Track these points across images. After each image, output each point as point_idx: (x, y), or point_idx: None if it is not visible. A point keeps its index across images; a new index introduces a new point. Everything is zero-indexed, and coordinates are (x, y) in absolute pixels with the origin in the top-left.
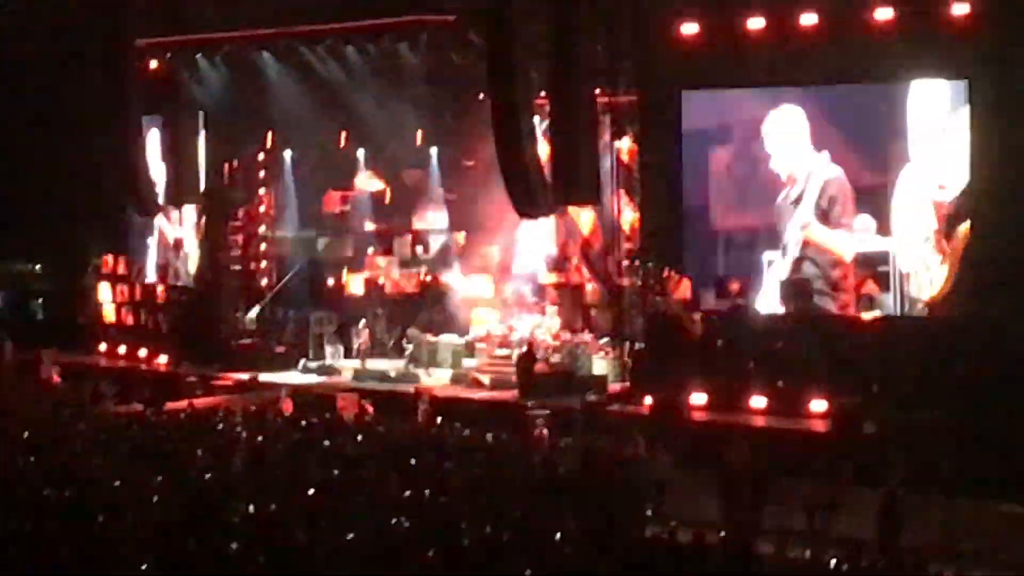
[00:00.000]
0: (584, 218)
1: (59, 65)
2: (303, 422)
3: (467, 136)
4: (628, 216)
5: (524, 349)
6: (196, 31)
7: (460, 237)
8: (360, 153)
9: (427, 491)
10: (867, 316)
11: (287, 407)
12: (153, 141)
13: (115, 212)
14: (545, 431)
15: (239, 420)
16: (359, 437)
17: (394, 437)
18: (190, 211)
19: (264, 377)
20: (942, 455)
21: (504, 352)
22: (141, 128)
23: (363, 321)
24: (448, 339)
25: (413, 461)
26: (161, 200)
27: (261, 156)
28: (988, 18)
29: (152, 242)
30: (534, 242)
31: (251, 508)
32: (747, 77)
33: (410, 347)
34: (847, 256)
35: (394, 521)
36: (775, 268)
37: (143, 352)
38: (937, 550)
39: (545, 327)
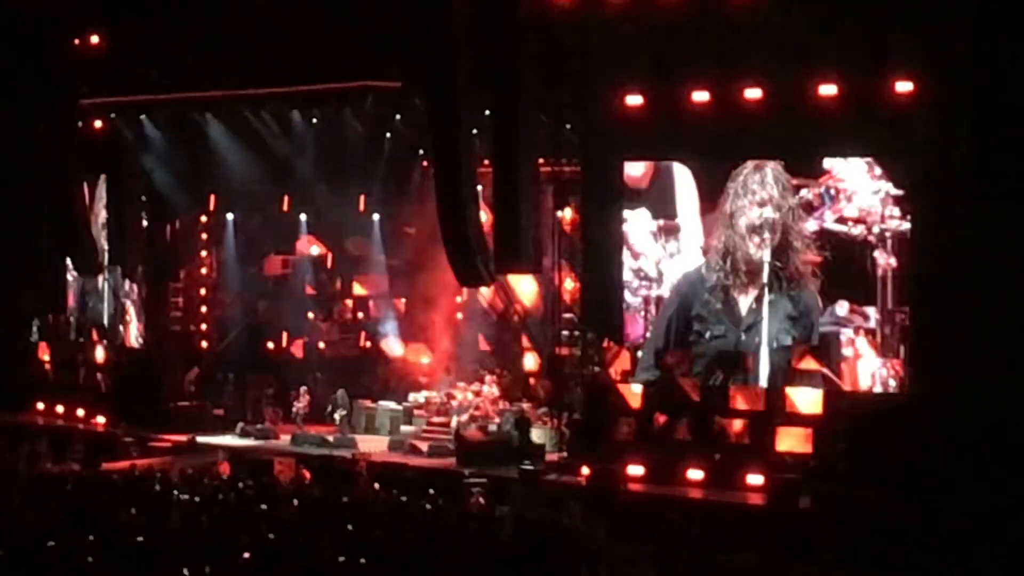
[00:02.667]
0: (525, 287)
1: (2, 121)
2: (240, 485)
3: (409, 203)
4: (568, 286)
5: (463, 417)
6: (141, 92)
7: (400, 304)
8: (302, 218)
9: (362, 558)
10: (805, 392)
11: (224, 470)
12: (99, 199)
13: (56, 271)
14: (482, 499)
15: (176, 482)
16: (295, 502)
17: (330, 503)
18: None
19: (202, 439)
20: (877, 531)
21: (442, 419)
22: (82, 187)
23: (304, 387)
24: (386, 405)
25: (349, 527)
26: (105, 260)
27: (203, 218)
28: (931, 96)
29: (94, 301)
30: (475, 309)
31: (185, 571)
32: (691, 149)
33: (342, 412)
34: None
35: None
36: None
37: (81, 412)
38: None
39: (484, 395)
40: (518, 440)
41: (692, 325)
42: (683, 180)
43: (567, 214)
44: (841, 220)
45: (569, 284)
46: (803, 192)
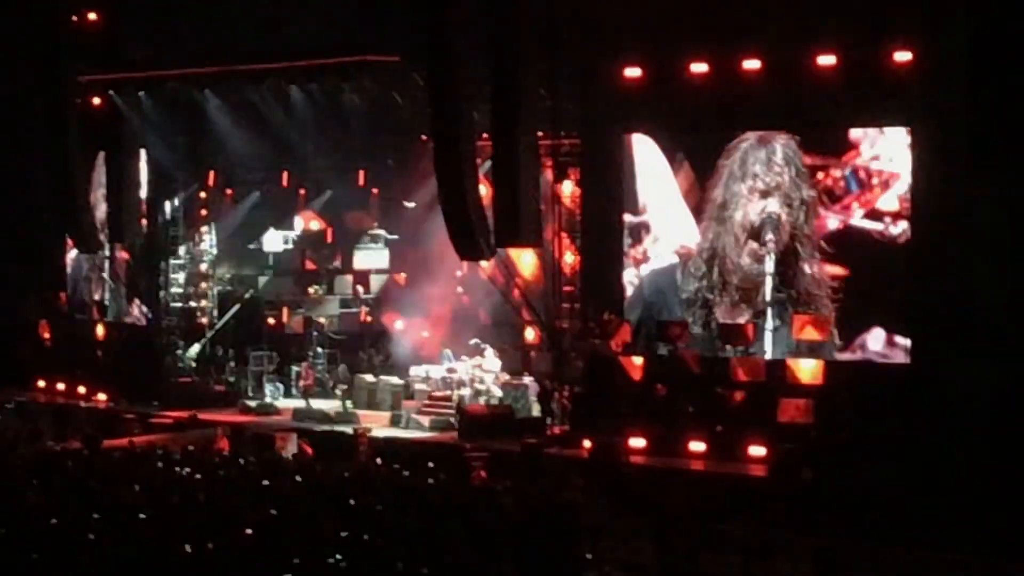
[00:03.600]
0: (525, 260)
1: (0, 99)
2: (241, 461)
3: (409, 177)
4: (569, 259)
5: (465, 392)
6: (139, 68)
7: (400, 278)
8: (301, 192)
9: (364, 532)
10: (806, 363)
11: (223, 446)
12: (98, 177)
13: (55, 248)
14: (483, 473)
15: (177, 458)
16: (297, 477)
17: (332, 477)
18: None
19: (203, 416)
20: (879, 502)
21: (444, 393)
22: (81, 164)
23: (306, 361)
24: (388, 380)
25: (351, 502)
26: (102, 236)
27: (203, 194)
28: (930, 65)
29: (92, 277)
30: (475, 283)
31: (187, 547)
32: (690, 121)
33: (343, 387)
34: None
35: (331, 562)
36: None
37: (82, 389)
38: None
39: (485, 369)
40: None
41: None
42: (646, 159)
43: (566, 187)
44: (874, 214)
45: (569, 257)
46: (819, 175)
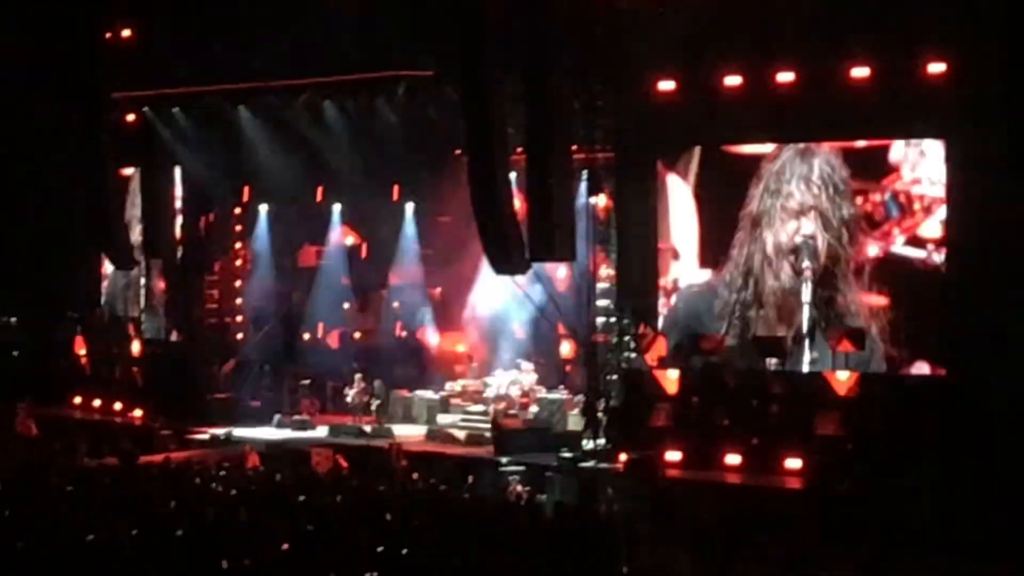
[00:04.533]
0: (560, 274)
1: (35, 116)
2: (277, 476)
3: (443, 191)
4: (604, 272)
5: (500, 405)
6: (173, 85)
7: (436, 292)
8: (336, 208)
9: (400, 547)
10: (842, 375)
11: (253, 461)
12: (132, 193)
13: (90, 265)
14: (520, 488)
15: (213, 474)
16: (334, 493)
17: (368, 493)
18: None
19: (238, 432)
20: (916, 515)
21: (479, 408)
22: (115, 180)
23: (358, 376)
24: (423, 394)
25: (388, 517)
26: (137, 253)
27: (237, 210)
28: (965, 77)
29: (127, 294)
30: (510, 298)
31: (224, 563)
32: (724, 134)
33: (376, 401)
34: None
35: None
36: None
37: (118, 405)
38: None
39: (520, 383)
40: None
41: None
42: (672, 186)
43: (600, 200)
44: (915, 241)
45: (604, 271)
46: (858, 200)
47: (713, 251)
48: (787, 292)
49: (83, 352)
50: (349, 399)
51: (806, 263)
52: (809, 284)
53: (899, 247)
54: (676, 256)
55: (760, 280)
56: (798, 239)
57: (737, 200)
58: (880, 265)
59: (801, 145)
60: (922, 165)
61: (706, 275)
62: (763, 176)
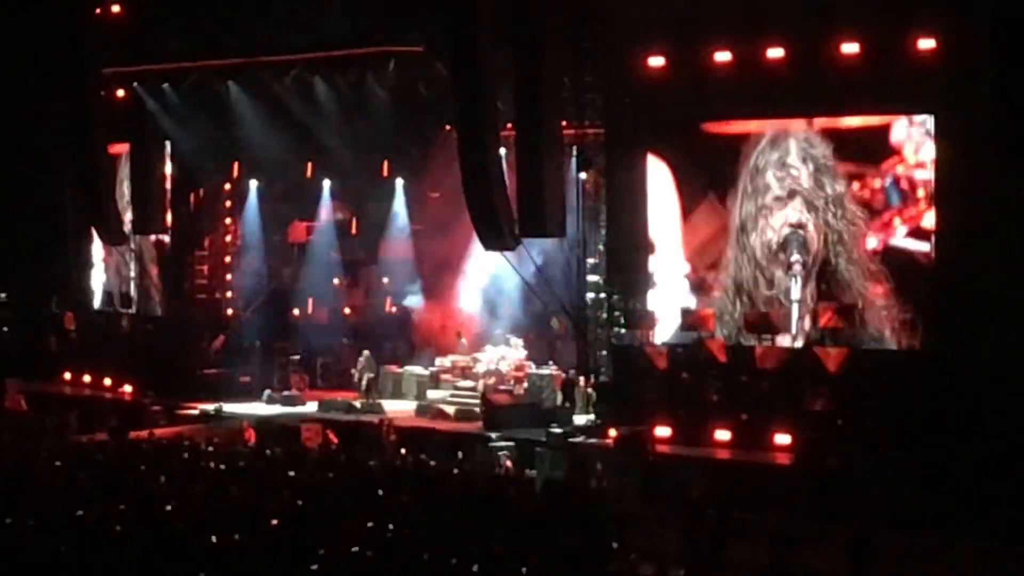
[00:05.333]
0: (550, 250)
1: (23, 93)
2: (267, 452)
3: (433, 167)
4: (593, 248)
5: (490, 381)
6: (163, 60)
7: (425, 268)
8: (326, 184)
9: (390, 523)
10: (831, 350)
11: (250, 437)
12: (122, 169)
13: (81, 240)
14: (509, 463)
15: (203, 450)
16: (324, 468)
17: (358, 468)
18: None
19: (228, 407)
20: (905, 490)
21: (469, 383)
22: (105, 156)
23: (366, 353)
24: (413, 370)
25: (378, 492)
26: (127, 228)
27: (227, 186)
28: (954, 53)
29: (118, 270)
30: (499, 273)
31: (214, 538)
32: (713, 110)
33: (366, 375)
34: None
35: (357, 552)
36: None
37: (108, 381)
38: None
39: (510, 359)
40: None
41: None
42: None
43: (590, 177)
44: (918, 233)
45: (593, 247)
46: (854, 186)
47: (701, 258)
48: (778, 299)
49: (73, 328)
50: (356, 377)
51: (795, 256)
52: (798, 280)
53: (900, 239)
54: (652, 250)
55: (752, 294)
56: (786, 231)
57: (719, 189)
58: (879, 257)
59: (770, 133)
60: (927, 147)
61: (692, 302)
62: (739, 182)
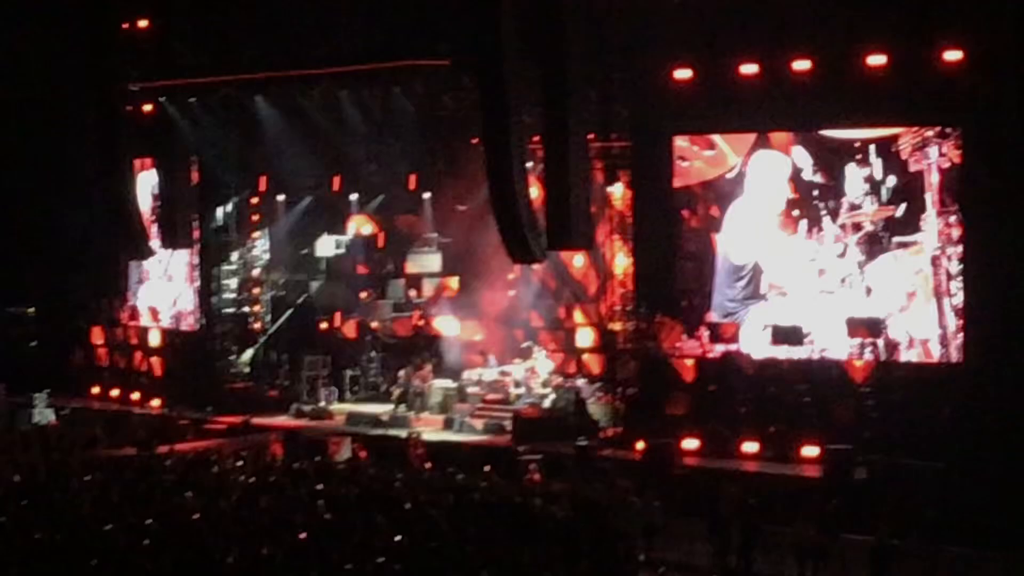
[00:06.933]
0: (577, 263)
1: (51, 108)
2: (295, 465)
3: (460, 180)
4: (621, 261)
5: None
6: (190, 75)
7: (453, 281)
8: (353, 197)
9: (418, 536)
10: (859, 363)
11: (277, 450)
12: (149, 184)
13: (110, 255)
14: (537, 476)
15: (231, 463)
16: (352, 483)
17: (386, 482)
18: (182, 255)
19: (257, 421)
20: (932, 502)
21: (497, 396)
22: (133, 171)
23: (408, 367)
24: (441, 383)
25: (407, 506)
26: (155, 243)
27: (255, 200)
28: (982, 65)
29: (142, 285)
30: (528, 286)
31: (242, 551)
32: (740, 122)
33: (398, 390)
34: None
35: (384, 564)
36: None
37: (136, 395)
38: None
39: (539, 372)
40: (575, 417)
41: None
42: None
43: (617, 189)
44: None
45: (621, 260)
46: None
47: None
48: None
49: (100, 343)
50: (414, 387)
51: None
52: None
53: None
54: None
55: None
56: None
57: None
58: None
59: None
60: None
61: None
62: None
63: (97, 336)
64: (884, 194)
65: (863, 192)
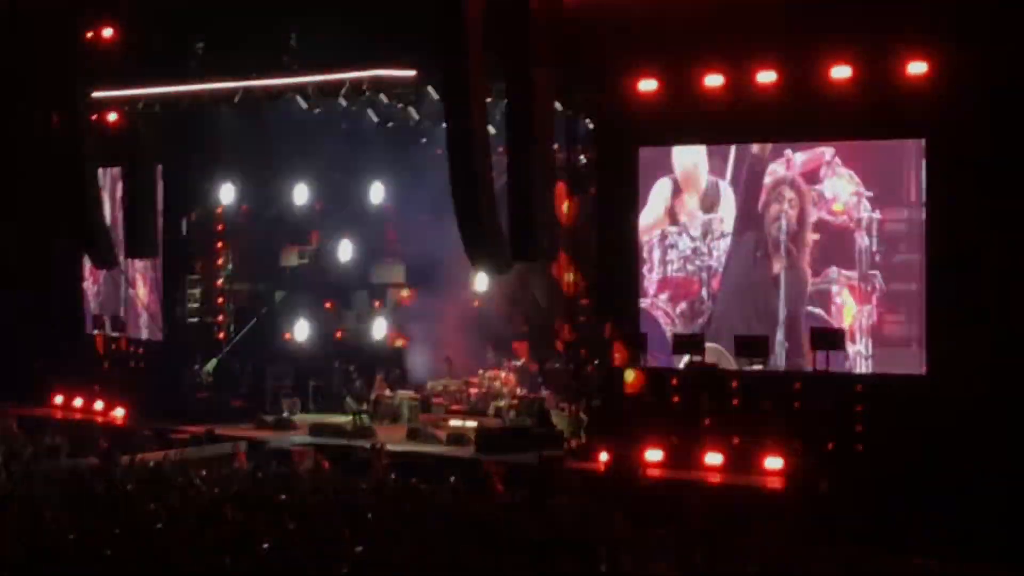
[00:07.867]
0: (537, 276)
1: (13, 115)
2: (259, 475)
3: (424, 192)
4: (569, 278)
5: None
6: (154, 84)
7: (414, 292)
8: (317, 208)
9: (380, 546)
10: (822, 374)
11: (242, 461)
12: (112, 192)
13: (73, 265)
14: (501, 487)
15: (195, 474)
16: (315, 491)
17: (350, 492)
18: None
19: (220, 431)
20: (897, 514)
21: (460, 407)
22: (97, 181)
23: (380, 374)
24: (405, 394)
25: (369, 516)
26: (121, 253)
27: (219, 209)
28: (946, 77)
29: (110, 294)
30: (491, 298)
31: (205, 562)
32: (705, 134)
33: (362, 401)
34: None
35: (348, 574)
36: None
37: (99, 405)
38: None
39: (502, 383)
40: (538, 429)
41: None
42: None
43: (564, 207)
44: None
45: (570, 276)
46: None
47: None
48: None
49: (63, 351)
50: (373, 397)
51: None
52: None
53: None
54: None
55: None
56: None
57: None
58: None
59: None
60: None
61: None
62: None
63: (60, 345)
64: None
65: None
